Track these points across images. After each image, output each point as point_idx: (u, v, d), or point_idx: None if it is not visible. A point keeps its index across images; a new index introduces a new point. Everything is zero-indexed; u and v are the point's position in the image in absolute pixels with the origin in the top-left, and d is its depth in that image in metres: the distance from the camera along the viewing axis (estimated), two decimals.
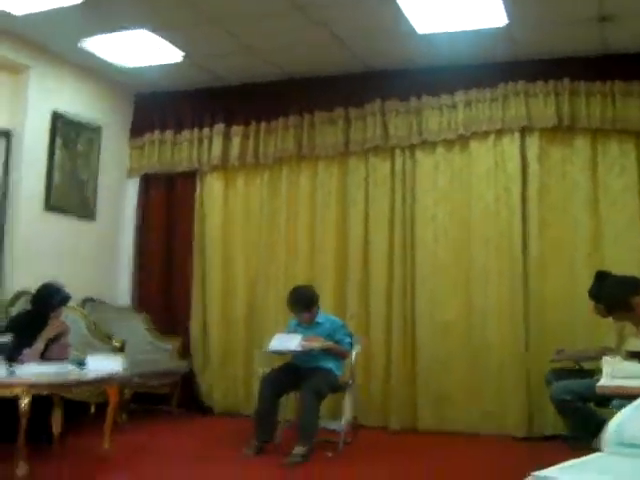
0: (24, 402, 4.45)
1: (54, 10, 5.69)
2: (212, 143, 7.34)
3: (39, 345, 5.26)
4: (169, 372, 6.91)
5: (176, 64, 6.80)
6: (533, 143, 6.39)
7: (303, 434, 5.26)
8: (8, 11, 5.77)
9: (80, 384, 4.98)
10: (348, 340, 5.81)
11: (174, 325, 7.32)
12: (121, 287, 7.62)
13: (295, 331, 5.77)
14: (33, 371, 4.76)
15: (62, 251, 6.88)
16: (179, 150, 7.49)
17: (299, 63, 6.77)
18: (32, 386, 4.53)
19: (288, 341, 5.58)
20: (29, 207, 6.64)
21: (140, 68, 6.95)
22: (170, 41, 6.37)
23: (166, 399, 6.94)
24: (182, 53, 6.62)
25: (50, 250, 6.74)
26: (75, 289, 6.63)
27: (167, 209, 7.59)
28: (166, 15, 5.87)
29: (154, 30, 6.14)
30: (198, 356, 7.21)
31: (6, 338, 5.03)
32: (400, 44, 6.22)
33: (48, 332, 5.34)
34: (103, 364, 5.19)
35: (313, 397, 5.35)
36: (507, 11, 5.50)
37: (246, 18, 5.82)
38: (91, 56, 6.72)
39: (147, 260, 7.58)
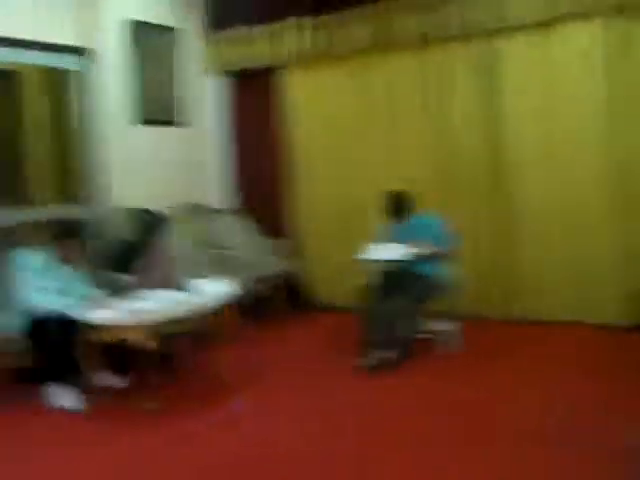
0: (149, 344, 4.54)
1: None
2: (289, 36, 7.00)
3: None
4: (274, 275, 6.92)
5: None
6: (619, 28, 5.81)
7: (397, 339, 5.27)
8: None
9: (200, 314, 4.96)
10: (450, 241, 5.63)
11: (276, 227, 7.31)
12: (219, 190, 7.59)
13: (394, 234, 5.66)
14: (150, 306, 4.79)
15: (156, 161, 6.87)
16: (259, 45, 7.19)
17: None
18: (154, 325, 4.61)
19: (385, 250, 5.50)
20: (115, 122, 6.56)
21: None
22: None
23: (272, 299, 6.98)
24: None
25: (144, 162, 6.73)
26: (170, 197, 6.69)
27: (255, 106, 7.41)
28: None
29: None
30: (302, 255, 7.19)
31: (125, 280, 5.08)
32: None
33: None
34: (217, 288, 5.22)
35: (413, 304, 5.32)
36: None
37: None
38: None
39: (242, 161, 7.51)
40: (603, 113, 5.88)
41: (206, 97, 7.52)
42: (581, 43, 5.94)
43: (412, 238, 5.52)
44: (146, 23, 6.80)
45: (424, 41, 6.54)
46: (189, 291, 5.07)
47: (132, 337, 4.57)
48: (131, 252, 5.38)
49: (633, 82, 5.80)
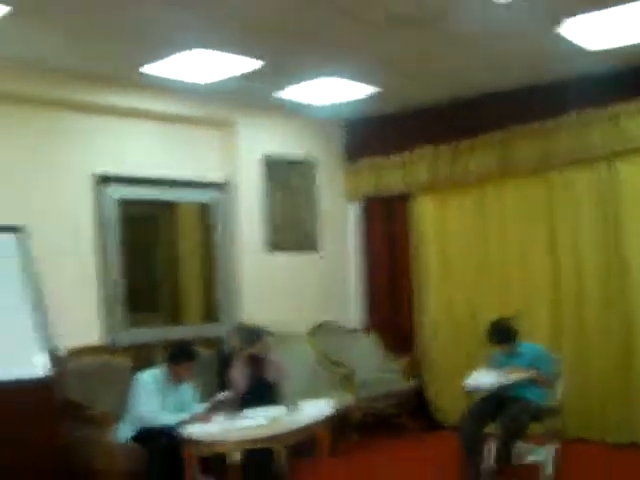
0: (236, 457, 5.00)
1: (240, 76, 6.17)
2: (419, 165, 7.47)
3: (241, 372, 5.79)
4: (397, 392, 7.21)
5: (372, 96, 6.96)
6: None
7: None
8: (200, 82, 6.33)
9: (292, 433, 5.36)
10: (551, 367, 5.72)
11: (403, 345, 7.61)
12: (352, 310, 8.05)
13: (498, 361, 5.81)
14: (247, 423, 5.25)
15: (288, 284, 7.46)
16: (391, 174, 7.74)
17: (492, 81, 6.65)
18: (243, 441, 5.07)
19: (487, 377, 5.65)
20: (251, 250, 7.27)
21: (339, 104, 7.19)
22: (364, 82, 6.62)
23: (397, 416, 7.22)
24: (378, 89, 6.81)
25: (276, 285, 7.36)
26: (305, 318, 7.24)
27: (386, 231, 7.91)
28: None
29: (345, 77, 6.44)
30: (428, 374, 7.42)
31: (223, 396, 5.61)
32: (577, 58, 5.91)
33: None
34: (315, 407, 5.62)
35: (510, 429, 5.39)
36: None
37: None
38: (288, 102, 7.11)
39: (373, 282, 7.97)
40: None
41: (341, 223, 8.08)
42: None
43: (514, 365, 5.67)
44: (283, 158, 7.52)
45: (544, 167, 6.76)
46: (289, 409, 5.50)
47: (226, 452, 5.06)
48: (224, 365, 5.95)
49: None
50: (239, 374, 5.87)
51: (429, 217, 7.58)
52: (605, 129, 6.37)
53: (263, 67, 6.04)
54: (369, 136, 7.84)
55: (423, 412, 7.41)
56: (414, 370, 7.44)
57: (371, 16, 5.00)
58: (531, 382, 5.63)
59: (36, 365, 5.57)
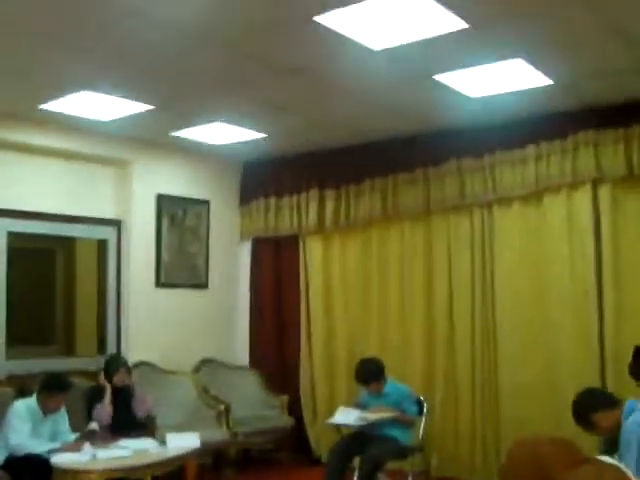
0: None
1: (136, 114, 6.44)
2: (309, 208, 7.78)
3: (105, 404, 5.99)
4: (275, 429, 7.41)
5: (264, 139, 7.30)
6: (605, 194, 6.23)
7: None
8: (99, 119, 6.57)
9: (157, 465, 5.57)
10: (414, 408, 6.07)
11: (285, 382, 7.84)
12: (239, 347, 8.25)
13: (365, 400, 6.11)
14: (111, 454, 5.46)
15: (177, 320, 7.63)
16: (281, 215, 8.01)
17: (378, 129, 7.00)
18: (105, 470, 5.26)
19: (349, 415, 5.95)
20: (140, 286, 7.44)
21: (234, 145, 7.47)
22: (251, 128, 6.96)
23: (276, 451, 7.47)
24: (264, 135, 7.15)
25: (164, 321, 7.53)
26: (191, 353, 7.45)
27: (275, 271, 8.14)
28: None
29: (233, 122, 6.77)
30: (307, 410, 7.66)
31: (94, 425, 5.82)
32: (460, 107, 6.28)
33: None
34: (182, 440, 5.83)
35: (370, 466, 5.68)
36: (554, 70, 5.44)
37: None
38: (185, 141, 7.37)
39: (260, 320, 8.17)
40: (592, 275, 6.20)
41: (232, 262, 8.29)
42: (570, 209, 6.35)
43: (380, 404, 5.99)
44: (177, 197, 7.75)
45: (426, 212, 7.13)
46: (157, 442, 5.72)
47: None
48: (91, 397, 6.15)
49: (621, 240, 6.15)
50: (104, 407, 6.03)
51: (316, 258, 7.83)
52: (482, 178, 6.75)
53: (153, 111, 6.34)
54: (263, 178, 8.12)
55: (303, 448, 7.63)
56: (295, 407, 7.64)
57: (255, 65, 5.31)
58: (395, 421, 5.95)
59: None
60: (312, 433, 7.63)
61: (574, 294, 6.28)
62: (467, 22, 4.50)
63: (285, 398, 7.64)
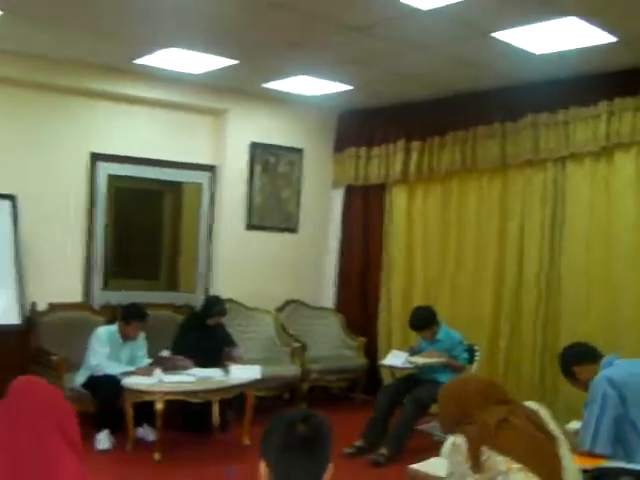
0: (159, 406, 5.77)
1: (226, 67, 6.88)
2: (395, 158, 7.98)
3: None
4: (348, 369, 7.82)
5: (350, 91, 7.56)
6: None
7: (391, 437, 5.89)
8: (190, 72, 7.06)
9: (216, 391, 6.12)
10: (464, 355, 6.26)
11: (365, 325, 8.19)
12: (325, 290, 8.64)
13: (420, 345, 6.36)
14: (177, 379, 6.04)
15: (265, 262, 8.11)
16: (371, 164, 8.27)
17: (461, 81, 7.08)
18: (167, 393, 5.85)
19: (397, 358, 6.22)
20: (232, 228, 7.96)
21: (327, 96, 7.77)
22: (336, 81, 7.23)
23: (348, 390, 7.87)
24: (350, 87, 7.41)
25: (253, 262, 8.02)
26: (277, 293, 7.93)
27: (363, 218, 8.44)
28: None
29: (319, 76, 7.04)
30: (382, 352, 7.94)
31: (165, 353, 6.41)
32: (526, 64, 6.28)
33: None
34: (244, 372, 6.33)
35: (411, 405, 5.95)
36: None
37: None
38: (278, 92, 7.73)
39: (347, 265, 8.53)
40: None
41: (323, 208, 8.65)
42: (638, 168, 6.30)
43: (432, 350, 6.23)
44: (271, 145, 8.16)
45: (502, 166, 7.20)
46: (224, 372, 6.26)
47: (154, 400, 5.83)
48: (183, 332, 6.71)
49: None
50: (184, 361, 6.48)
51: (399, 207, 8.06)
52: (555, 133, 6.73)
53: (239, 65, 6.73)
54: (355, 128, 8.38)
55: (376, 390, 7.93)
56: (372, 349, 7.99)
57: (323, 24, 5.59)
58: (445, 366, 6.17)
59: (13, 314, 6.52)
60: (384, 375, 7.92)
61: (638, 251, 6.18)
62: None
63: (363, 340, 7.98)
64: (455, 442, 3.00)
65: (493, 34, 5.59)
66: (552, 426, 3.08)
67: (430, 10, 5.10)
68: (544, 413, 3.11)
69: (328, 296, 8.62)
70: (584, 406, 3.89)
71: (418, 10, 5.10)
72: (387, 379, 7.54)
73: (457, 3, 4.95)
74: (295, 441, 2.08)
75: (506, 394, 3.17)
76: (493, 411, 3.02)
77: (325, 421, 2.17)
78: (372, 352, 7.97)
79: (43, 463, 2.18)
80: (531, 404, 3.18)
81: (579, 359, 4.11)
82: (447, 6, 5.01)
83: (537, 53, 5.97)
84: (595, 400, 3.77)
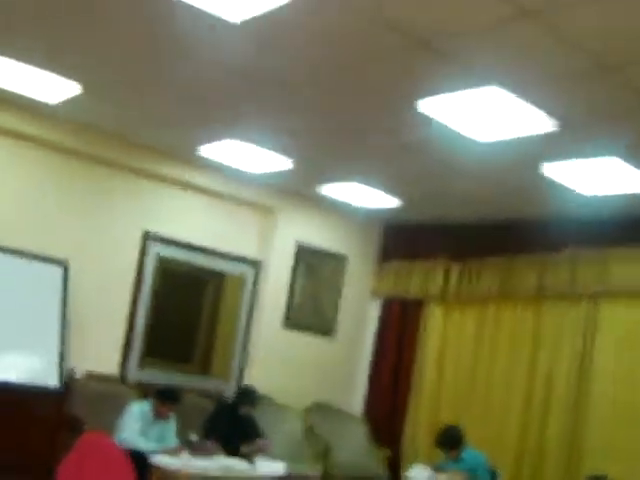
0: None
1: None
2: (435, 275, 8.21)
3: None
4: (368, 478, 7.81)
5: (402, 206, 7.88)
6: None
7: None
8: (248, 170, 7.44)
9: None
10: (487, 478, 6.27)
11: (391, 436, 8.27)
12: (356, 396, 8.77)
13: (443, 463, 6.42)
14: (203, 464, 6.12)
15: (299, 361, 8.30)
16: (411, 279, 8.53)
17: (507, 208, 7.38)
18: (193, 476, 5.92)
19: (421, 473, 6.30)
20: (270, 323, 8.19)
21: (374, 209, 8.11)
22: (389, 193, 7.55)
23: None
24: (399, 202, 7.73)
25: (287, 360, 8.20)
26: (308, 393, 8.06)
27: (398, 331, 8.66)
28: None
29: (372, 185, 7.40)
30: (406, 466, 7.95)
31: (194, 437, 6.50)
32: (571, 200, 6.57)
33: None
34: (269, 467, 6.40)
35: None
36: None
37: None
38: (328, 198, 8.09)
39: (378, 374, 8.69)
40: None
41: (360, 316, 8.87)
42: None
43: (454, 468, 6.28)
44: (316, 248, 8.49)
45: (538, 295, 7.39)
46: (249, 464, 6.32)
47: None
48: (215, 418, 6.82)
49: None
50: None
51: (435, 325, 8.29)
52: (594, 270, 6.95)
53: (294, 165, 7.08)
54: (400, 242, 8.72)
55: None
56: (396, 461, 8.01)
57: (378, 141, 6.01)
58: None
59: (52, 377, 6.68)
60: None
61: None
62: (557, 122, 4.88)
63: (387, 451, 8.06)
64: None
65: (543, 169, 5.90)
66: None
67: (485, 143, 5.47)
68: None
69: (358, 402, 8.73)
70: None
71: (473, 140, 5.45)
72: None
73: (512, 138, 5.30)
74: None
75: None
76: None
77: None
78: (396, 465, 7.98)
79: None
80: None
81: None
82: (502, 140, 5.38)
83: (585, 194, 6.25)
84: None
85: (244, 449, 6.54)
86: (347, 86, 5.01)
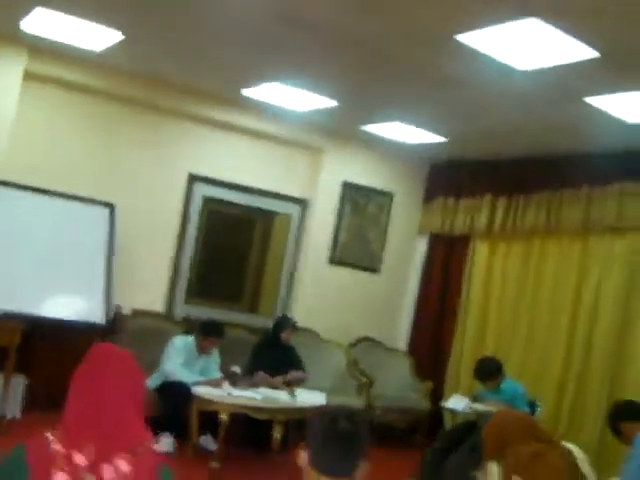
0: (223, 417, 6.03)
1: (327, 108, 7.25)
2: (481, 212, 8.17)
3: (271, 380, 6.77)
4: (412, 410, 7.95)
5: (443, 143, 7.82)
6: None
7: None
8: (294, 109, 7.44)
9: (281, 411, 6.35)
10: (525, 408, 6.27)
11: (434, 370, 8.34)
12: (400, 332, 8.83)
13: (482, 394, 6.47)
14: (245, 394, 6.30)
15: (345, 297, 8.40)
16: (457, 216, 8.50)
17: (552, 143, 7.24)
18: (233, 405, 6.11)
19: (459, 402, 6.36)
20: (316, 260, 8.28)
21: (421, 145, 8.06)
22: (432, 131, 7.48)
23: (410, 431, 7.96)
24: (443, 139, 7.67)
25: (333, 296, 8.31)
26: (353, 329, 8.17)
27: (444, 267, 8.66)
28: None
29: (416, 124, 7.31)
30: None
31: (236, 368, 6.68)
32: (618, 131, 6.40)
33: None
34: (310, 396, 6.55)
35: (467, 452, 5.99)
36: None
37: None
38: (374, 136, 8.04)
39: (423, 310, 8.74)
40: None
41: (406, 253, 8.89)
42: None
43: (493, 399, 6.31)
44: (363, 186, 8.50)
45: (584, 229, 7.30)
46: (288, 393, 6.48)
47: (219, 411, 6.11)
48: (257, 350, 7.01)
49: None
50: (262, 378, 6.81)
51: (481, 260, 8.26)
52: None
53: (339, 106, 7.07)
54: (445, 179, 8.65)
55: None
56: (439, 395, 8.07)
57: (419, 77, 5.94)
58: None
59: (99, 315, 6.92)
60: (447, 420, 7.99)
61: None
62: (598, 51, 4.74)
63: (430, 384, 8.12)
64: (490, 469, 3.14)
65: (587, 99, 5.76)
66: (586, 469, 3.19)
67: (526, 71, 5.33)
68: (579, 455, 3.22)
69: (402, 337, 8.80)
70: (624, 461, 3.96)
71: (514, 70, 5.33)
72: (449, 424, 7.60)
73: (553, 67, 5.16)
74: (336, 434, 2.30)
75: (545, 433, 3.30)
76: (530, 445, 3.15)
77: (366, 422, 2.38)
78: (438, 397, 8.04)
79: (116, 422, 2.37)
80: (568, 445, 3.29)
81: (627, 416, 4.18)
82: (543, 69, 5.24)
83: (629, 122, 6.07)
84: (636, 456, 3.83)
85: (277, 380, 6.71)
86: (387, 22, 4.95)
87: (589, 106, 5.86)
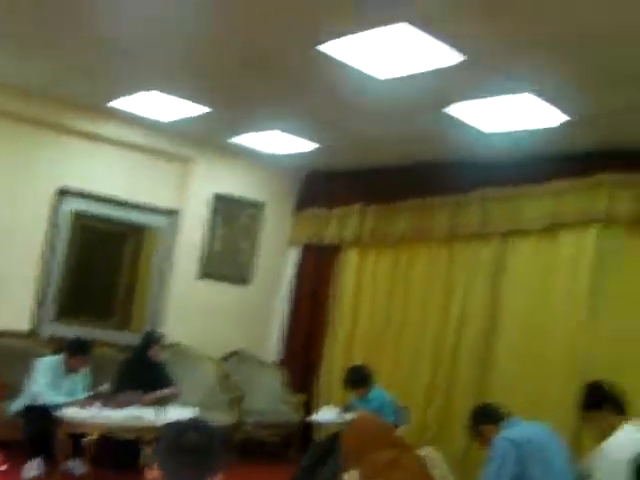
0: (89, 439, 5.88)
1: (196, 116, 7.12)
2: (351, 221, 8.27)
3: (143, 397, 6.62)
4: (283, 424, 7.90)
5: (316, 151, 7.85)
6: (612, 236, 6.39)
7: None
8: (162, 119, 7.34)
9: (146, 430, 6.17)
10: (392, 417, 6.37)
11: (306, 383, 8.33)
12: (272, 344, 8.80)
13: (353, 403, 6.52)
14: (109, 414, 6.13)
15: (214, 311, 8.27)
16: (327, 225, 8.55)
17: (416, 152, 7.40)
18: (98, 426, 5.96)
19: (328, 414, 6.43)
20: (186, 274, 8.16)
21: (291, 155, 8.08)
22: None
23: (282, 446, 7.92)
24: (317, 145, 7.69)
25: (203, 309, 8.18)
26: (224, 342, 8.09)
27: (315, 277, 8.65)
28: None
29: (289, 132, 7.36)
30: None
31: (104, 388, 6.53)
32: (477, 140, 6.61)
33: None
34: (179, 413, 6.44)
35: (336, 463, 6.07)
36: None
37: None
38: (244, 147, 7.99)
39: (295, 321, 8.70)
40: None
41: (278, 264, 8.87)
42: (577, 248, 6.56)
43: (361, 408, 6.38)
44: (234, 197, 8.44)
45: (451, 236, 7.49)
46: (155, 411, 6.36)
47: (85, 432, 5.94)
48: (123, 367, 6.84)
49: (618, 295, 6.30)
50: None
51: (350, 269, 8.32)
52: (503, 209, 7.06)
53: (211, 113, 6.95)
54: (317, 189, 8.69)
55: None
56: (310, 407, 8.05)
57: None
58: None
59: None
60: (318, 434, 8.04)
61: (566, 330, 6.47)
62: (464, 54, 4.77)
63: (303, 397, 8.10)
64: (347, 478, 3.21)
65: (445, 109, 5.88)
66: (444, 467, 3.31)
67: (386, 80, 5.37)
68: (434, 455, 3.33)
69: (274, 350, 8.76)
70: (484, 464, 4.09)
71: (374, 79, 5.38)
72: (319, 437, 7.66)
73: (413, 75, 5.22)
74: (183, 446, 2.27)
75: (400, 438, 3.39)
76: (384, 452, 3.23)
77: (216, 432, 2.36)
78: (311, 410, 8.02)
79: None
80: (423, 450, 3.40)
81: (485, 419, 4.33)
82: (402, 77, 5.29)
83: (486, 131, 6.27)
84: (495, 458, 3.97)
85: (149, 397, 6.60)
86: (257, 29, 4.91)
87: (448, 116, 5.98)
